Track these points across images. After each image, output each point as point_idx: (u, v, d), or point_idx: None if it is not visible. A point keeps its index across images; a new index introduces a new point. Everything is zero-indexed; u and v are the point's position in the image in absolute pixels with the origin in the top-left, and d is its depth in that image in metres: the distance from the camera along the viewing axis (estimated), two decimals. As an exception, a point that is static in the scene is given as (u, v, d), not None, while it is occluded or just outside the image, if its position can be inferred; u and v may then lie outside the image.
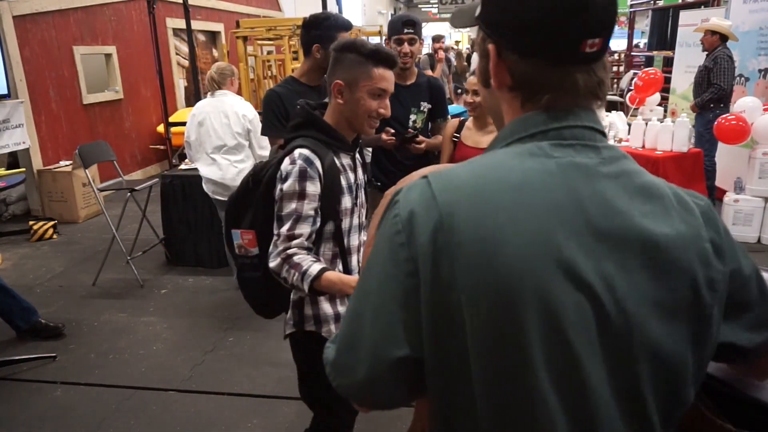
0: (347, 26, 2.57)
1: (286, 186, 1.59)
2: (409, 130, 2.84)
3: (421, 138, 2.79)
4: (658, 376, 0.72)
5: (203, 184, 3.74)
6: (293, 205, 1.59)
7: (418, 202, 0.73)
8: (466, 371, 0.71)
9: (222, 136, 3.59)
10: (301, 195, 1.59)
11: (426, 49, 8.16)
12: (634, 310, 0.70)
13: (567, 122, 0.75)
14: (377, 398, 0.81)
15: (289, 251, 1.58)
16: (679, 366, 0.73)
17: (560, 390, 0.69)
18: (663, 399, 0.74)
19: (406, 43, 2.73)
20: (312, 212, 1.61)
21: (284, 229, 1.59)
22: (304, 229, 1.60)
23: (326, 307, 1.74)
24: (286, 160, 1.63)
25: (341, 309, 1.76)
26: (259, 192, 1.68)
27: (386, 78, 1.66)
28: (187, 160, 4.81)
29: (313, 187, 1.61)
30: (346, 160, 1.74)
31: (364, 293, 0.78)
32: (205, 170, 3.66)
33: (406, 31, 2.69)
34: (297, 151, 1.62)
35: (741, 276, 0.79)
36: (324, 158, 1.63)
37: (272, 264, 1.59)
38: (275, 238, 1.61)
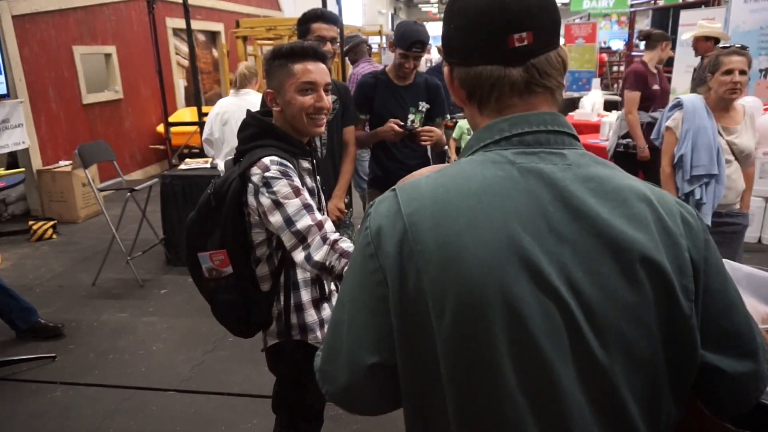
0: (321, 16, 2.57)
1: (277, 189, 1.51)
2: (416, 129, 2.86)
3: (421, 129, 2.78)
4: (635, 378, 0.73)
5: None
6: (296, 201, 1.51)
7: (385, 215, 0.76)
8: (437, 375, 0.73)
9: None
10: (296, 190, 1.52)
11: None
12: (603, 313, 0.71)
13: (530, 127, 0.76)
14: (360, 404, 0.83)
15: (333, 237, 1.48)
16: (655, 370, 0.73)
17: (530, 392, 0.70)
18: (644, 400, 0.74)
19: (411, 59, 2.82)
20: (312, 203, 1.54)
21: (306, 221, 1.49)
22: (320, 215, 1.52)
23: (312, 313, 1.70)
24: (255, 171, 1.54)
25: (326, 315, 1.73)
26: (225, 209, 1.57)
27: (310, 71, 1.61)
28: (187, 159, 4.81)
29: (299, 182, 1.55)
30: (305, 164, 1.70)
31: (341, 303, 0.80)
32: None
33: (414, 49, 2.76)
34: (266, 159, 1.54)
35: (725, 298, 0.78)
36: (292, 162, 1.59)
37: (318, 256, 1.46)
38: (296, 237, 1.50)
